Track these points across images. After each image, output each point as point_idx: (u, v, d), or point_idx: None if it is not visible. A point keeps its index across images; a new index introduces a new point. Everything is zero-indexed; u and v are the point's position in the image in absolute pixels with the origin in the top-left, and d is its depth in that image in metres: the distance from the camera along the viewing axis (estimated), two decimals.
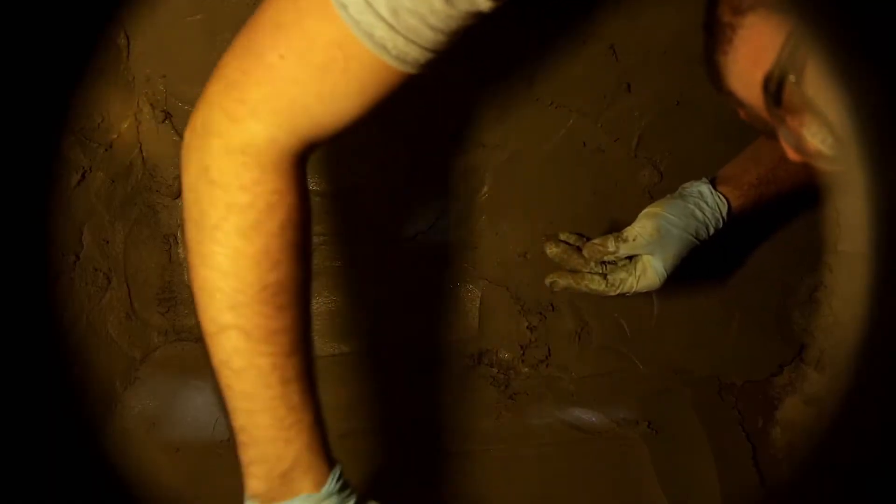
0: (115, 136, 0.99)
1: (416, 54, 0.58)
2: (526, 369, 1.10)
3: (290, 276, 0.64)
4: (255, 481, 0.66)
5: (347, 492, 0.68)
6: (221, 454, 1.03)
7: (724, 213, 0.90)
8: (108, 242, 1.01)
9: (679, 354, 1.12)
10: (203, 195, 0.61)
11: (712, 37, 0.61)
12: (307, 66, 0.58)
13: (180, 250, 1.03)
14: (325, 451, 0.68)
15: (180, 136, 0.99)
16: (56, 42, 0.43)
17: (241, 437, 0.66)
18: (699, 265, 0.99)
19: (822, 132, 0.56)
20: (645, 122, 1.05)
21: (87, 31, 0.45)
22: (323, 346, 1.04)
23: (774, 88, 0.56)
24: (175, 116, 0.99)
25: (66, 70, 0.44)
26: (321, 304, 1.04)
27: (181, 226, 0.63)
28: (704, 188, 0.90)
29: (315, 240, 1.00)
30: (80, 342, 1.01)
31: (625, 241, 0.88)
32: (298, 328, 0.65)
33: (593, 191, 1.06)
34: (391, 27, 0.56)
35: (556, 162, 1.05)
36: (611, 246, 0.88)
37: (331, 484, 0.67)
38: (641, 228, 0.88)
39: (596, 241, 0.90)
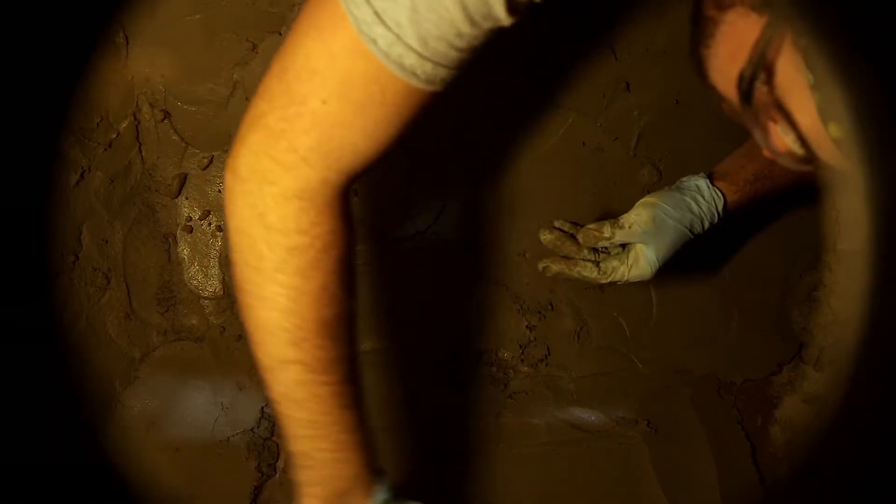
0: (114, 135, 0.99)
1: (443, 75, 0.61)
2: (526, 368, 1.10)
3: (345, 308, 0.67)
4: (313, 500, 0.70)
5: (394, 499, 0.73)
6: (221, 454, 1.03)
7: (720, 208, 0.91)
8: (107, 242, 1.01)
9: (678, 354, 1.12)
10: (259, 240, 0.63)
11: (697, 29, 0.62)
12: (349, 105, 0.60)
13: (179, 250, 1.03)
14: (375, 465, 0.72)
15: (179, 135, 0.99)
16: (56, 42, 0.43)
17: (302, 461, 0.69)
18: (698, 264, 0.99)
19: (792, 133, 0.57)
20: (644, 121, 1.05)
21: (86, 31, 0.45)
22: None
23: (746, 87, 0.56)
24: (174, 116, 0.99)
25: (65, 70, 0.44)
26: None
27: (231, 267, 0.66)
28: (702, 182, 0.92)
29: None
30: (79, 342, 1.01)
31: (620, 227, 0.90)
32: (352, 356, 0.69)
33: (593, 190, 1.06)
34: (420, 55, 0.58)
35: (556, 161, 1.05)
36: (606, 232, 0.90)
37: (380, 494, 0.71)
38: (637, 216, 0.89)
39: (592, 226, 0.91)
